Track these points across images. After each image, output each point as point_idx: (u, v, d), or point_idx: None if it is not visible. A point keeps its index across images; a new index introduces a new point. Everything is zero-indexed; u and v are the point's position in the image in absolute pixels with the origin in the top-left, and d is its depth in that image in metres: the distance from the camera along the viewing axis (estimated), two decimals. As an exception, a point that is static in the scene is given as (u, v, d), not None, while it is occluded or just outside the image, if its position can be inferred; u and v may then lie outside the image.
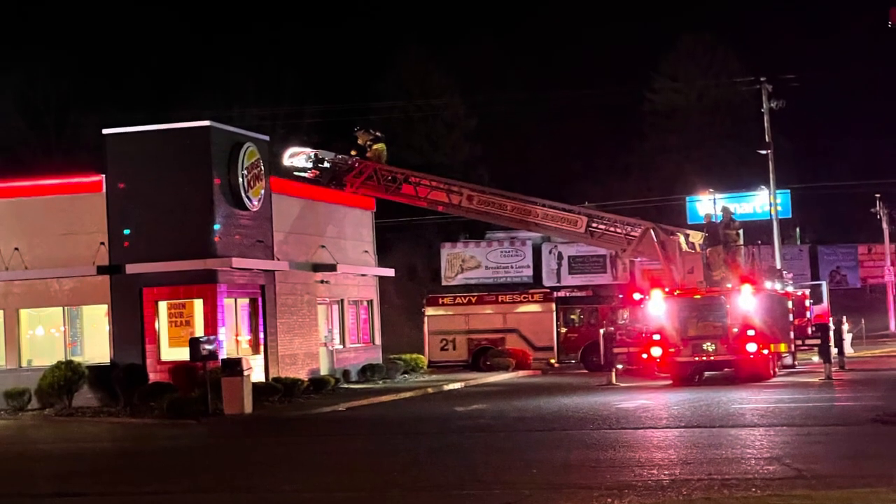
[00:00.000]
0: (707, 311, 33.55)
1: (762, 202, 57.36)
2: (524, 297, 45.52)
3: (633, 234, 36.37)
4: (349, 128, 42.40)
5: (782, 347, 34.40)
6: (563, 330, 43.71)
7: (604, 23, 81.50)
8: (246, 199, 32.98)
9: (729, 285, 33.85)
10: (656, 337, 33.22)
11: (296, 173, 38.51)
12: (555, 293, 46.54)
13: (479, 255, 61.23)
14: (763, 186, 54.19)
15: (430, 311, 45.33)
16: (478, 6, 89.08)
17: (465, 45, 78.39)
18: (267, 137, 36.27)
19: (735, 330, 32.76)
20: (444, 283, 60.77)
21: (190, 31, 79.18)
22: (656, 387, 33.32)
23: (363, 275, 41.35)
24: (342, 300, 39.74)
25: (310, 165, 38.31)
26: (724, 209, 38.20)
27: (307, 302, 36.87)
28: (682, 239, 35.79)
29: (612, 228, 37.14)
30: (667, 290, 33.83)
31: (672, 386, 33.10)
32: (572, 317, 43.90)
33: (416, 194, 38.65)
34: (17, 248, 33.01)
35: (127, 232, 32.24)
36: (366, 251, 41.89)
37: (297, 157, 38.73)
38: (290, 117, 67.46)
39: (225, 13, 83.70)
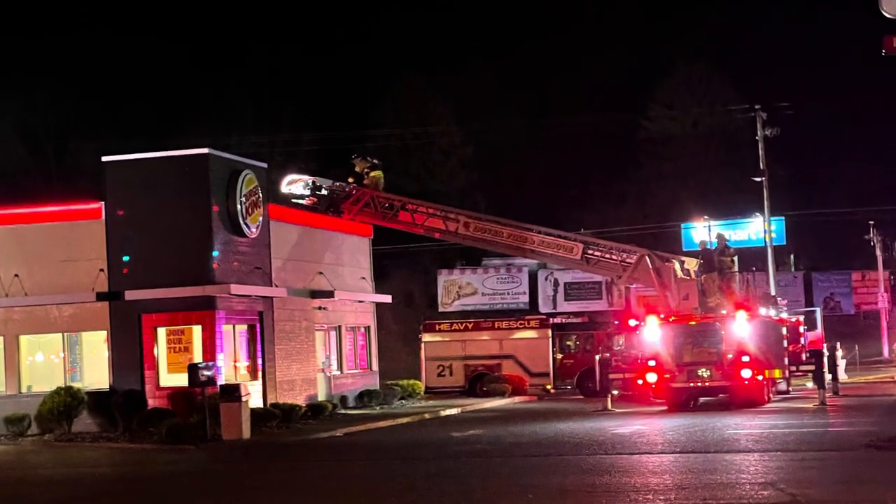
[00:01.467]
0: (702, 338, 33.77)
1: (757, 229, 57.67)
2: (520, 324, 45.71)
3: (628, 260, 36.65)
4: (347, 155, 42.73)
5: (777, 373, 34.61)
6: (559, 356, 43.92)
7: (599, 51, 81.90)
8: (244, 226, 33.23)
9: (724, 312, 34.07)
10: (651, 363, 33.43)
11: (294, 200, 38.80)
12: (551, 319, 46.79)
13: (476, 282, 61.53)
14: (757, 213, 54.56)
15: (426, 337, 45.54)
16: (474, 34, 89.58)
17: (462, 73, 78.88)
18: (265, 165, 36.56)
19: (730, 356, 32.99)
20: (440, 309, 61.02)
21: (189, 59, 79.67)
22: (652, 412, 33.48)
23: (361, 301, 41.56)
24: (340, 326, 39.93)
25: (307, 192, 38.62)
26: (719, 236, 38.47)
27: (305, 328, 37.07)
28: (677, 266, 36.06)
29: (607, 255, 37.42)
30: (662, 316, 34.08)
31: (667, 411, 33.28)
32: (568, 343, 44.12)
33: (413, 221, 38.93)
34: (16, 275, 33.22)
35: (126, 258, 32.48)
36: (363, 278, 42.11)
37: (295, 185, 39.04)
38: (288, 145, 67.84)
39: (224, 42, 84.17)
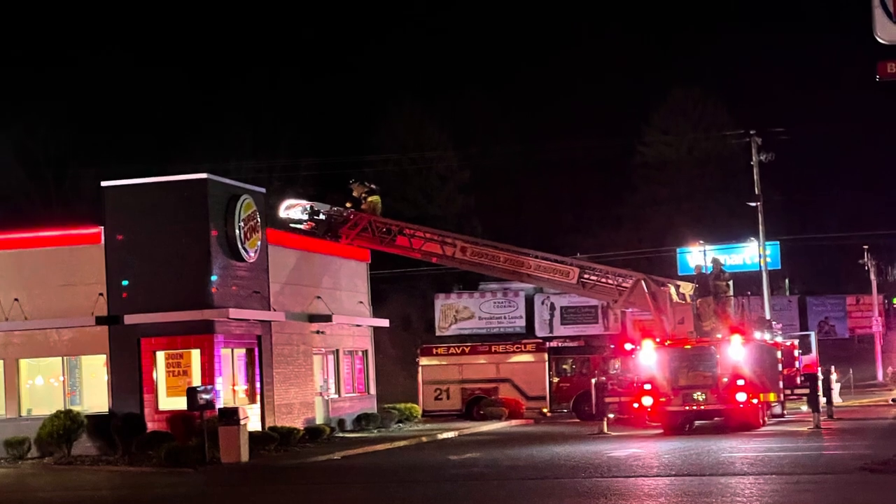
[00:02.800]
0: (697, 361, 33.94)
1: (752, 253, 58.02)
2: (517, 348, 45.88)
3: (624, 284, 36.86)
4: (345, 180, 42.95)
5: (771, 397, 34.80)
6: (556, 379, 44.07)
7: (595, 77, 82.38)
8: (242, 251, 33.44)
9: (719, 336, 34.28)
10: (647, 386, 33.59)
11: (292, 225, 39.03)
12: (547, 343, 46.97)
13: (473, 306, 61.78)
14: (753, 238, 54.82)
15: (424, 360, 45.69)
16: (471, 60, 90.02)
17: (459, 99, 79.30)
18: (263, 190, 36.79)
19: (725, 380, 33.12)
20: (438, 333, 61.25)
21: (188, 84, 79.92)
22: (647, 436, 33.61)
23: (358, 325, 41.73)
24: (337, 350, 40.09)
25: (305, 217, 38.85)
26: (714, 261, 38.73)
27: (303, 352, 37.23)
28: (672, 290, 36.30)
29: (603, 279, 37.63)
30: (657, 340, 34.25)
31: (663, 435, 33.43)
32: (564, 367, 44.28)
33: (411, 246, 39.14)
34: (16, 299, 33.39)
35: (125, 283, 32.66)
36: (360, 302, 42.31)
37: (293, 210, 39.27)
38: (287, 170, 68.09)
39: (222, 67, 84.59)
